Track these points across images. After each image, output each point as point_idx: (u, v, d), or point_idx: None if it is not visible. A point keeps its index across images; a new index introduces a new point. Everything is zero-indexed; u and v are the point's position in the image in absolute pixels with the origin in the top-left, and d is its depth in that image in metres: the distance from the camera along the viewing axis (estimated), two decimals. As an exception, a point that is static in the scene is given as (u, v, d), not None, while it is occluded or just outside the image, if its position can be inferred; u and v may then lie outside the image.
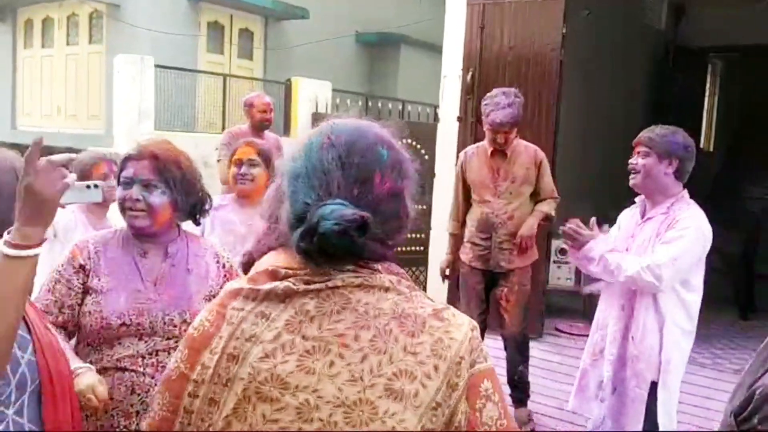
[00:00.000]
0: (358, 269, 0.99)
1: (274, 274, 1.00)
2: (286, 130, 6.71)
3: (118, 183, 1.85)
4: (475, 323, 1.01)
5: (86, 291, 1.79)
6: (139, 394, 1.73)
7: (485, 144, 3.81)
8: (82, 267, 1.80)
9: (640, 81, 8.03)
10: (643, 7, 7.88)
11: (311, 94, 6.78)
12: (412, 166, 1.07)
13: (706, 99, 9.88)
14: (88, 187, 1.83)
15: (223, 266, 1.94)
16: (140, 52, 6.22)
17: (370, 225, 0.94)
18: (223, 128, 7.07)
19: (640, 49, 7.78)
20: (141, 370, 1.74)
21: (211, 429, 0.96)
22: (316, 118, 6.72)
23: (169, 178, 1.83)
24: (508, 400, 3.85)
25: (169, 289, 1.83)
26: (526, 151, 3.76)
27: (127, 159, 1.85)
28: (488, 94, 3.76)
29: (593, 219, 2.58)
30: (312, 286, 0.97)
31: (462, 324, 0.99)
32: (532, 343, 4.33)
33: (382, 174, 1.01)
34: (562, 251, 5.42)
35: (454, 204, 3.98)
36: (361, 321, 0.95)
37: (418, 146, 7.07)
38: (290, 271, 1.00)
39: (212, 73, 8.11)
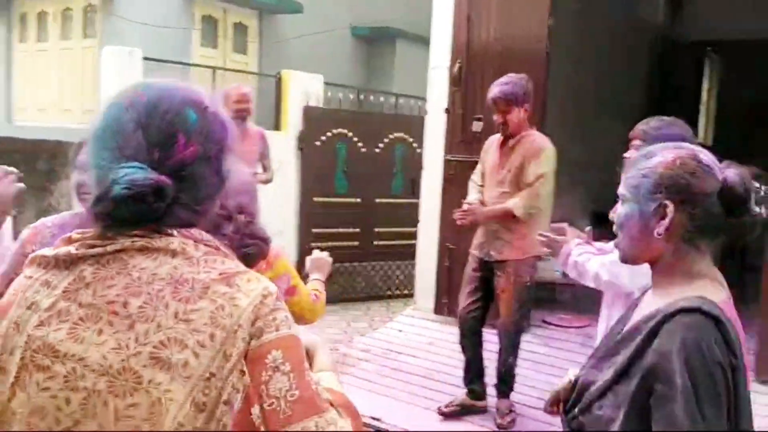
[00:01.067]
0: (146, 233, 0.95)
1: (68, 241, 0.98)
2: (278, 124, 6.69)
3: (74, 169, 1.83)
4: (272, 290, 0.96)
5: None
6: None
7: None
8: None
9: (635, 75, 8.00)
10: (638, 1, 7.84)
11: (303, 87, 6.76)
12: (231, 133, 1.04)
13: (704, 93, 9.84)
14: None
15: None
16: (134, 46, 6.20)
17: (167, 190, 0.92)
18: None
19: (635, 43, 7.74)
20: None
21: (1, 398, 0.95)
22: (308, 111, 6.71)
23: None
24: (492, 390, 3.85)
25: None
26: (530, 142, 3.73)
27: (82, 144, 1.78)
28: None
29: (588, 228, 2.54)
30: (92, 251, 0.95)
31: (253, 290, 0.94)
32: (518, 336, 4.35)
33: (187, 137, 0.97)
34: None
35: (471, 185, 3.97)
36: (132, 287, 0.92)
37: (410, 139, 7.07)
38: (81, 237, 0.97)
39: (203, 66, 8.09)
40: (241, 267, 0.98)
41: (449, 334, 4.77)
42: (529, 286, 3.82)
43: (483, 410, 3.89)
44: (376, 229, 7.00)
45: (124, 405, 0.88)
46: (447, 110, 5.23)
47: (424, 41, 6.51)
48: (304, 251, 6.70)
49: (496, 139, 3.86)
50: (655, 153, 1.36)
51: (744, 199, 1.30)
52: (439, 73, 5.30)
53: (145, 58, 6.03)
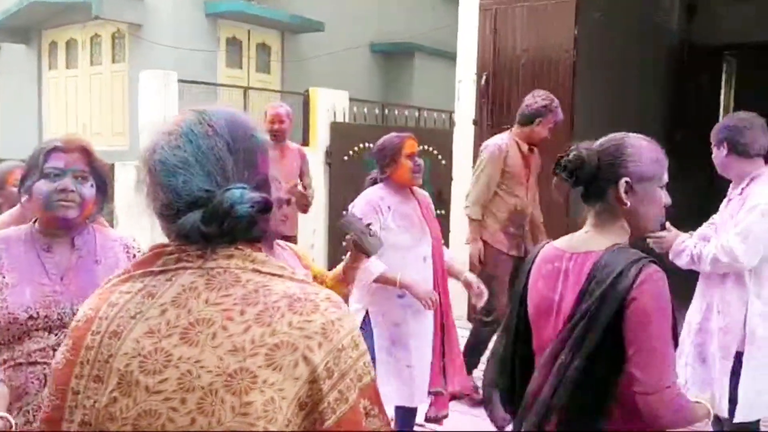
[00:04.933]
0: (239, 248, 1.03)
1: (160, 255, 1.04)
2: (305, 140, 6.84)
3: (41, 175, 1.79)
4: (359, 331, 1.04)
5: None
6: None
7: (515, 139, 4.00)
8: None
9: (655, 80, 8.07)
10: (655, 7, 7.93)
11: (329, 104, 6.91)
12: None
13: (722, 97, 9.88)
14: None
15: (134, 257, 1.90)
16: (161, 69, 6.42)
17: (271, 206, 1.02)
18: (245, 140, 7.24)
19: (654, 49, 7.82)
20: (53, 362, 1.74)
21: (96, 406, 0.99)
22: (335, 127, 6.85)
23: (98, 171, 1.85)
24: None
25: (77, 281, 1.83)
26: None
27: (53, 150, 1.81)
28: (541, 94, 4.02)
29: (667, 223, 2.71)
30: (195, 263, 1.01)
31: (353, 318, 1.05)
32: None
33: (263, 155, 1.09)
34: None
35: (484, 190, 4.02)
36: (250, 298, 0.98)
37: (435, 152, 7.19)
38: (175, 249, 1.03)
39: (233, 86, 8.30)
40: (335, 295, 1.07)
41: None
42: None
43: None
44: (405, 241, 7.09)
45: (241, 403, 0.93)
46: (475, 121, 5.35)
47: (441, 55, 6.69)
48: (333, 264, 6.81)
49: (507, 143, 3.99)
50: None
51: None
52: (467, 85, 5.42)
53: (180, 81, 6.22)
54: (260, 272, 1.02)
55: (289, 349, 0.96)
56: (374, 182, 3.20)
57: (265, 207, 1.00)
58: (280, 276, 1.03)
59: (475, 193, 4.03)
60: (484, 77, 5.23)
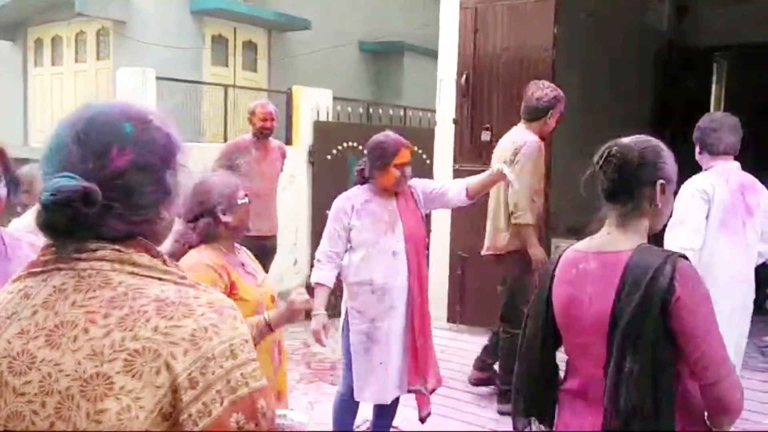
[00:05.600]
0: (116, 248, 0.99)
1: (45, 254, 1.02)
2: (288, 138, 6.79)
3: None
4: (248, 339, 0.99)
5: None
6: None
7: (537, 137, 3.84)
8: None
9: (643, 81, 8.04)
10: (644, 8, 7.89)
11: (312, 102, 6.86)
12: (177, 145, 1.06)
13: (713, 98, 9.85)
14: None
15: None
16: (146, 66, 6.35)
17: (93, 196, 0.94)
18: (225, 138, 7.17)
19: (642, 50, 7.79)
20: None
21: None
22: (318, 126, 6.80)
23: (9, 171, 1.85)
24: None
25: None
26: None
27: None
28: (548, 85, 3.90)
29: None
30: (66, 264, 0.98)
31: (237, 326, 0.98)
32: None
33: (120, 147, 0.99)
34: (562, 251, 5.44)
35: (530, 193, 3.80)
36: (117, 301, 0.95)
37: (420, 151, 7.14)
38: (55, 250, 1.00)
39: (215, 84, 8.23)
40: (227, 300, 1.02)
41: (462, 342, 4.81)
42: None
43: None
44: (388, 240, 7.05)
45: (95, 410, 0.90)
46: (455, 120, 5.29)
47: (431, 54, 6.63)
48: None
49: (537, 142, 3.85)
50: None
51: None
52: (447, 84, 5.37)
53: (158, 78, 6.15)
54: (136, 275, 0.98)
55: (152, 356, 0.91)
56: (362, 172, 3.21)
57: (83, 197, 0.93)
58: (160, 279, 0.98)
59: (525, 197, 3.76)
60: (464, 76, 5.18)
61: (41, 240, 1.95)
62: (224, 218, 2.15)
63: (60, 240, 1.00)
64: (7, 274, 1.78)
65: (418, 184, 3.28)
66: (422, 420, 3.25)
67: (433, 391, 3.24)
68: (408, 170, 3.09)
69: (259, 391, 0.97)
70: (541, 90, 3.83)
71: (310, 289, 2.49)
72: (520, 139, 3.81)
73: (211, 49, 9.33)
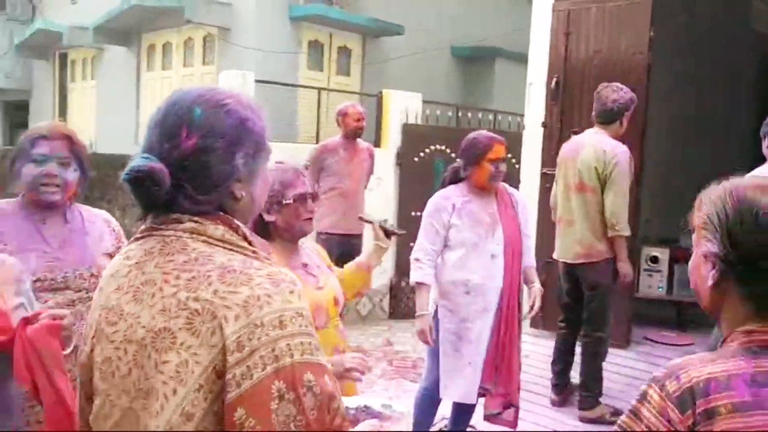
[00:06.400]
0: (195, 220, 1.07)
1: (144, 222, 1.13)
2: (377, 141, 6.94)
3: (29, 160, 1.99)
4: (306, 315, 1.03)
5: None
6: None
7: (625, 147, 3.86)
8: None
9: (747, 85, 7.63)
10: (749, 12, 7.50)
11: (402, 106, 6.98)
12: (247, 129, 1.10)
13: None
14: None
15: (113, 230, 2.17)
16: (247, 70, 6.70)
17: (159, 176, 1.02)
18: (317, 140, 7.43)
19: (746, 54, 7.40)
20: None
21: (85, 348, 1.13)
22: (406, 129, 6.92)
23: (80, 156, 2.04)
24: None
25: (73, 250, 2.04)
26: None
27: (38, 138, 2.00)
28: (621, 86, 3.89)
29: None
30: (158, 232, 1.08)
31: (291, 300, 1.02)
32: (618, 351, 4.38)
33: (189, 130, 1.05)
34: (653, 259, 5.28)
35: (628, 206, 3.83)
36: (188, 265, 1.03)
37: (509, 155, 7.10)
38: (154, 219, 1.11)
39: (310, 87, 8.54)
40: (289, 275, 1.07)
41: (543, 347, 4.77)
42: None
43: None
44: (474, 244, 7.05)
45: (160, 360, 1.00)
46: (544, 124, 5.25)
47: (522, 59, 6.60)
48: (401, 263, 6.87)
49: None
50: None
51: None
52: (537, 88, 5.34)
53: (257, 81, 6.47)
54: (210, 244, 1.06)
55: (209, 317, 0.98)
56: (455, 172, 3.24)
57: (151, 177, 1.02)
58: (230, 250, 1.06)
59: (624, 209, 3.78)
60: (554, 80, 5.13)
61: (113, 219, 2.22)
62: (267, 217, 2.03)
63: (152, 212, 1.10)
64: (85, 245, 2.08)
65: (522, 201, 3.32)
66: (485, 417, 3.26)
67: (506, 405, 3.20)
68: (502, 166, 3.10)
69: (307, 365, 1.00)
70: (616, 92, 3.81)
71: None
72: (610, 151, 3.76)
73: (308, 54, 9.68)
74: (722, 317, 1.15)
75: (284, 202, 2.04)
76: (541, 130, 5.28)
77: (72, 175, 2.04)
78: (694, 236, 1.19)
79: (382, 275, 6.87)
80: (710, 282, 1.12)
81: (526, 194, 5.43)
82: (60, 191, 2.02)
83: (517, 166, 6.16)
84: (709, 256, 1.12)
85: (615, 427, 1.14)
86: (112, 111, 11.17)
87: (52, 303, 1.92)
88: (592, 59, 4.96)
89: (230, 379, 0.96)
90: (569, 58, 5.08)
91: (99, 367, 1.08)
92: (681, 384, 1.06)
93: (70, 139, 2.04)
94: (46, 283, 1.97)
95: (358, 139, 5.22)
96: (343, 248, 4.89)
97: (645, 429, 1.07)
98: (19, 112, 14.28)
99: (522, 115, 6.51)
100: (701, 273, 1.15)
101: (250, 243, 1.10)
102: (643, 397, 1.10)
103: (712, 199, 1.14)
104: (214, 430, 0.98)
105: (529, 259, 3.33)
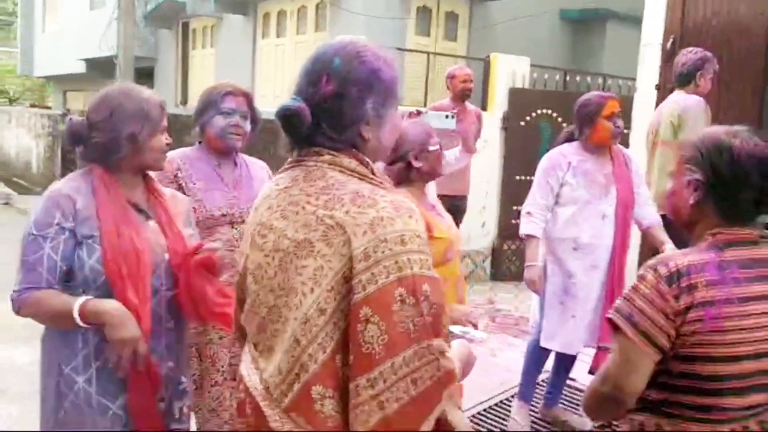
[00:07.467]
0: (332, 153, 1.24)
1: (291, 154, 1.33)
2: (484, 104, 7.04)
3: (218, 112, 2.33)
4: (422, 236, 1.18)
5: (183, 192, 2.24)
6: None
7: (699, 97, 3.94)
8: (174, 176, 2.30)
9: None
10: None
11: (509, 69, 7.03)
12: (378, 79, 1.23)
13: None
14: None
15: (270, 175, 2.44)
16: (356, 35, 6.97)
17: (300, 116, 1.20)
18: (425, 104, 7.62)
19: None
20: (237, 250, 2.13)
21: (242, 259, 1.36)
22: (513, 92, 6.98)
23: (254, 112, 2.38)
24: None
25: (244, 189, 2.37)
26: None
27: (227, 94, 2.34)
28: (690, 49, 4.02)
29: None
30: (302, 162, 1.28)
31: (410, 223, 1.17)
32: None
33: (328, 77, 1.21)
34: None
35: None
36: (326, 189, 1.21)
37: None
38: (297, 152, 1.30)
39: (418, 51, 8.71)
40: (408, 203, 1.21)
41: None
42: None
43: None
44: (578, 209, 7.05)
45: (300, 265, 1.19)
46: (657, 86, 5.19)
47: (635, 21, 6.45)
48: (504, 227, 7.02)
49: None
50: None
51: None
52: (651, 50, 5.27)
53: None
54: (345, 173, 1.24)
55: (341, 231, 1.16)
56: (569, 136, 3.29)
57: (295, 116, 1.20)
58: (360, 179, 1.24)
59: None
60: (670, 40, 5.05)
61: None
62: (416, 163, 2.25)
63: (298, 146, 1.29)
64: (252, 188, 2.42)
65: (635, 159, 3.33)
66: (591, 372, 3.33)
67: None
68: (620, 122, 3.11)
69: (425, 278, 1.15)
70: (685, 56, 3.97)
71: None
72: (682, 101, 3.92)
73: (416, 20, 9.82)
74: (697, 228, 1.56)
75: (430, 149, 2.28)
76: (654, 92, 5.22)
77: (248, 126, 2.41)
78: (672, 171, 1.62)
79: (486, 237, 7.05)
80: (691, 201, 1.54)
81: (636, 157, 5.41)
82: (241, 139, 2.39)
83: (626, 130, 6.10)
84: (693, 182, 1.53)
85: (610, 314, 1.51)
86: (229, 76, 11.79)
87: (212, 240, 2.23)
88: (710, 20, 4.84)
89: (357, 283, 1.13)
90: (686, 19, 4.98)
91: (252, 272, 1.32)
92: (669, 268, 1.46)
93: (248, 97, 2.41)
94: (227, 218, 2.34)
95: (467, 102, 5.37)
96: (446, 209, 5.09)
97: (641, 298, 1.46)
98: (145, 79, 15.38)
99: (632, 79, 6.40)
100: (683, 196, 1.56)
101: (375, 176, 1.28)
102: (641, 278, 1.49)
103: (694, 142, 1.56)
104: (341, 323, 1.17)
105: (652, 217, 3.28)
